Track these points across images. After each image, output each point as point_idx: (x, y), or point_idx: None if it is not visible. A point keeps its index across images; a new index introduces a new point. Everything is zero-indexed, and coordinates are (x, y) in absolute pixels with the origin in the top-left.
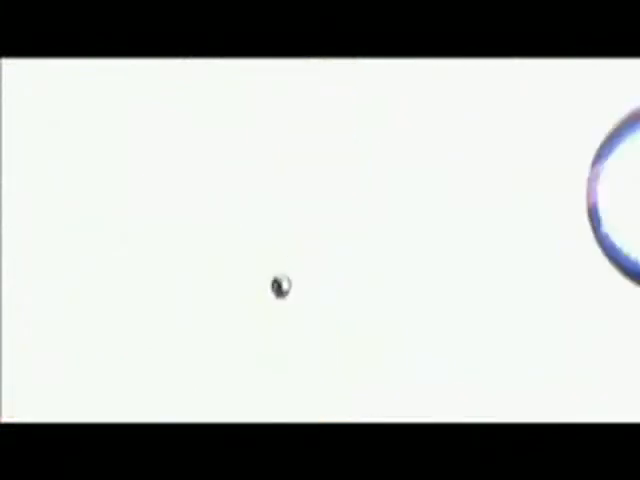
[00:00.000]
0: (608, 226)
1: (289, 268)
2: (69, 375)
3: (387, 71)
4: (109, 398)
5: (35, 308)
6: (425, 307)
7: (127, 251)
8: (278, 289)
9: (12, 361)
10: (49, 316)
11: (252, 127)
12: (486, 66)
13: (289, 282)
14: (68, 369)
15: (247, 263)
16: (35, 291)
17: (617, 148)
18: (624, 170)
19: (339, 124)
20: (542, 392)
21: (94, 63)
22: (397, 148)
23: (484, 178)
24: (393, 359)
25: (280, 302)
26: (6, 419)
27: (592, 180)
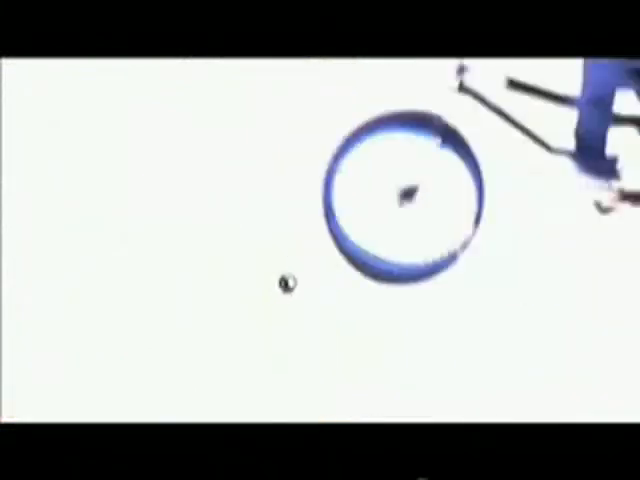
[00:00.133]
0: (343, 222)
1: (295, 267)
2: (69, 375)
3: (387, 71)
4: (109, 398)
5: (35, 308)
6: (425, 307)
7: (128, 251)
8: (285, 286)
9: (12, 361)
10: (49, 316)
11: (254, 128)
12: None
13: (295, 280)
14: (68, 369)
15: (258, 263)
16: (35, 291)
17: (354, 148)
18: (360, 169)
19: (338, 124)
20: (542, 392)
21: (94, 63)
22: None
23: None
24: (393, 359)
25: (286, 297)
26: (6, 419)
27: (328, 178)
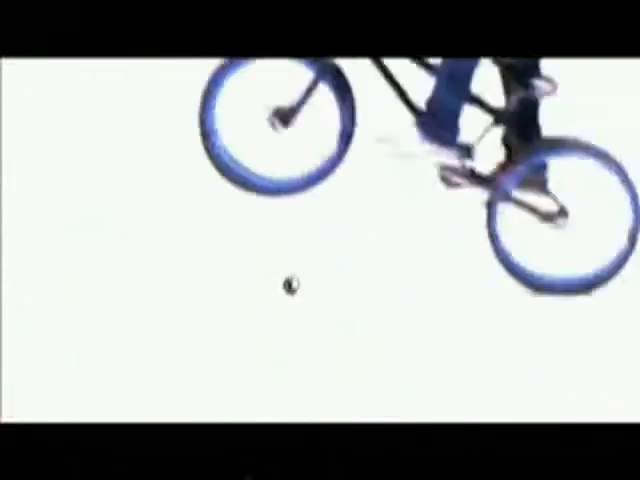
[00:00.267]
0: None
1: (295, 268)
2: (69, 375)
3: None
4: (109, 398)
5: (35, 308)
6: (425, 307)
7: (129, 252)
8: (288, 287)
9: (12, 361)
10: (49, 316)
11: (255, 128)
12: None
13: (298, 282)
14: (68, 369)
15: (263, 266)
16: (35, 291)
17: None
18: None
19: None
20: (542, 392)
21: (94, 63)
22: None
23: None
24: (393, 359)
25: (286, 298)
26: (6, 419)
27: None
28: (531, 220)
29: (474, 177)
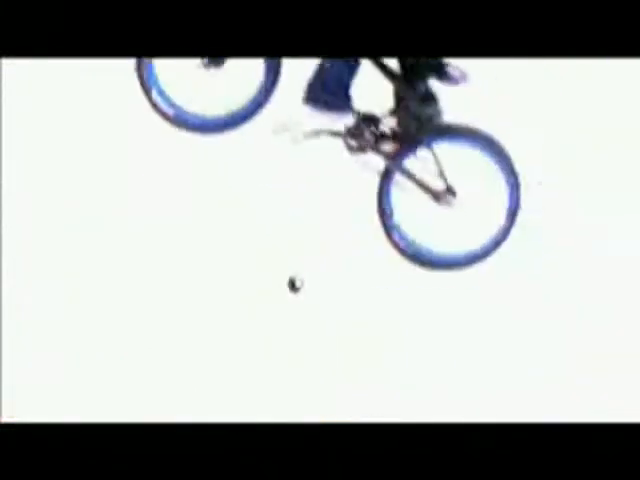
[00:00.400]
0: None
1: (296, 268)
2: (69, 375)
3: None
4: (109, 398)
5: (35, 308)
6: (425, 307)
7: (130, 252)
8: (292, 286)
9: (12, 361)
10: (49, 316)
11: (258, 128)
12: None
13: (301, 281)
14: (68, 369)
15: (257, 263)
16: (35, 291)
17: None
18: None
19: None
20: (542, 392)
21: (94, 63)
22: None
23: None
24: (393, 359)
25: (285, 298)
26: (6, 419)
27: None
28: (421, 198)
29: (378, 144)
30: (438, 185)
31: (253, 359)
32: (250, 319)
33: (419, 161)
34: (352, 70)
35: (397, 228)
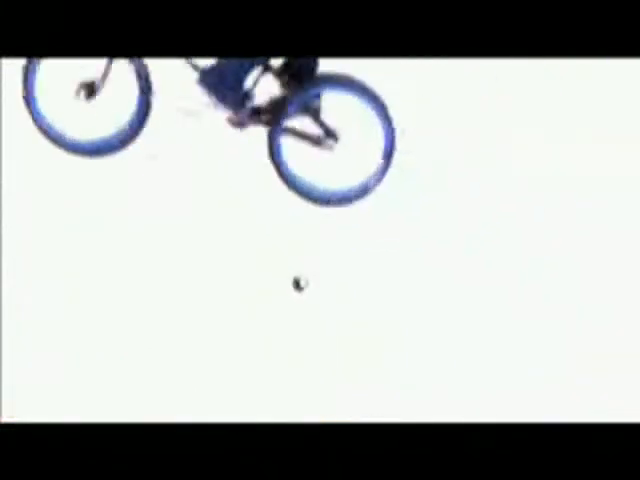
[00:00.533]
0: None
1: (296, 269)
2: (69, 375)
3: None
4: (109, 398)
5: (35, 308)
6: (425, 307)
7: (131, 252)
8: (297, 285)
9: (12, 361)
10: (49, 316)
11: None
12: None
13: (306, 280)
14: (68, 369)
15: (268, 265)
16: (35, 291)
17: None
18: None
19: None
20: (542, 392)
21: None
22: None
23: None
24: (393, 359)
25: (285, 298)
26: (6, 419)
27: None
28: (306, 146)
29: (255, 116)
30: (320, 131)
31: (253, 359)
32: (250, 319)
33: (302, 110)
34: (249, 69)
35: (290, 173)
